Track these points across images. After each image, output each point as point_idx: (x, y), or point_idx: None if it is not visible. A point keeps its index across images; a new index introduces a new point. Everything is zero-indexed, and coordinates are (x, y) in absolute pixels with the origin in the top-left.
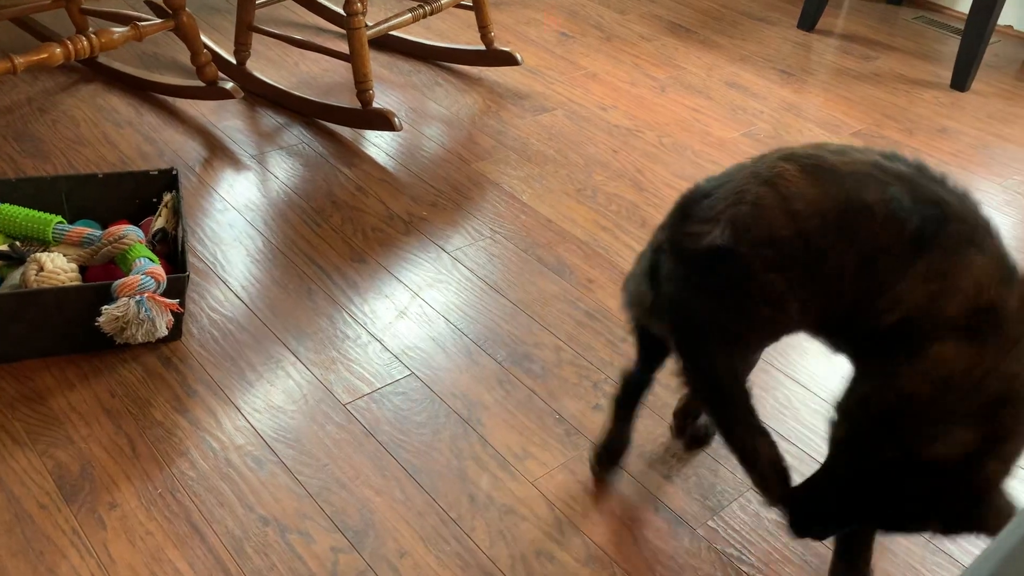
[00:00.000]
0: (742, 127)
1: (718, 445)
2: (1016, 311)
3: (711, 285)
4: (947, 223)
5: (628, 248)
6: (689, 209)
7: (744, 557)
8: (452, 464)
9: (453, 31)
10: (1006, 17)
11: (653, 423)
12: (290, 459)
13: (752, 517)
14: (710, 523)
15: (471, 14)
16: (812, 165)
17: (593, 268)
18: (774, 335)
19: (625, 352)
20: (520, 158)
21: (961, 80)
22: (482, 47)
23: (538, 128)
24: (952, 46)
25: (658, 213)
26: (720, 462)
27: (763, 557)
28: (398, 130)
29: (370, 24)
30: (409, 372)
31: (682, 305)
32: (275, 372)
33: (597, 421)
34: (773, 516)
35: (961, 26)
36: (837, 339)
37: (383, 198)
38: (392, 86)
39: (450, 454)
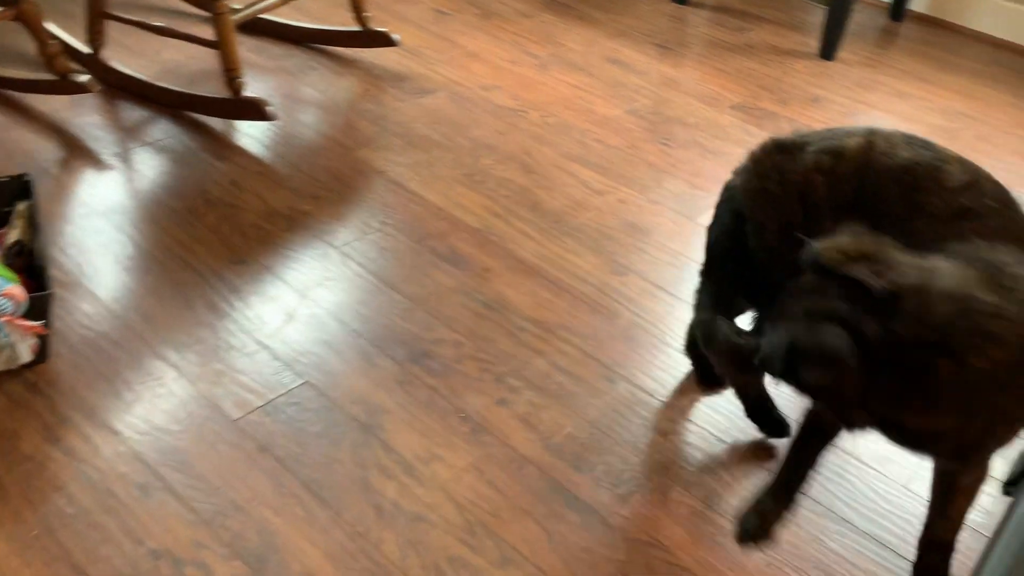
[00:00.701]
0: (625, 104)
1: (624, 428)
2: None
3: (765, 171)
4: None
5: (522, 235)
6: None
7: (656, 542)
8: (355, 475)
9: (325, 12)
10: None
11: (559, 413)
12: (179, 484)
13: (662, 501)
14: (621, 511)
15: None
16: (914, 138)
17: (488, 256)
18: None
19: (526, 342)
20: (404, 144)
21: (829, 50)
22: (357, 28)
23: (421, 111)
24: (818, 16)
25: (549, 197)
26: (628, 448)
27: (675, 541)
28: (272, 119)
29: (237, 7)
30: (302, 380)
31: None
32: (156, 390)
33: (502, 416)
34: (681, 498)
35: None
36: None
37: (261, 193)
38: (263, 72)
39: (352, 464)
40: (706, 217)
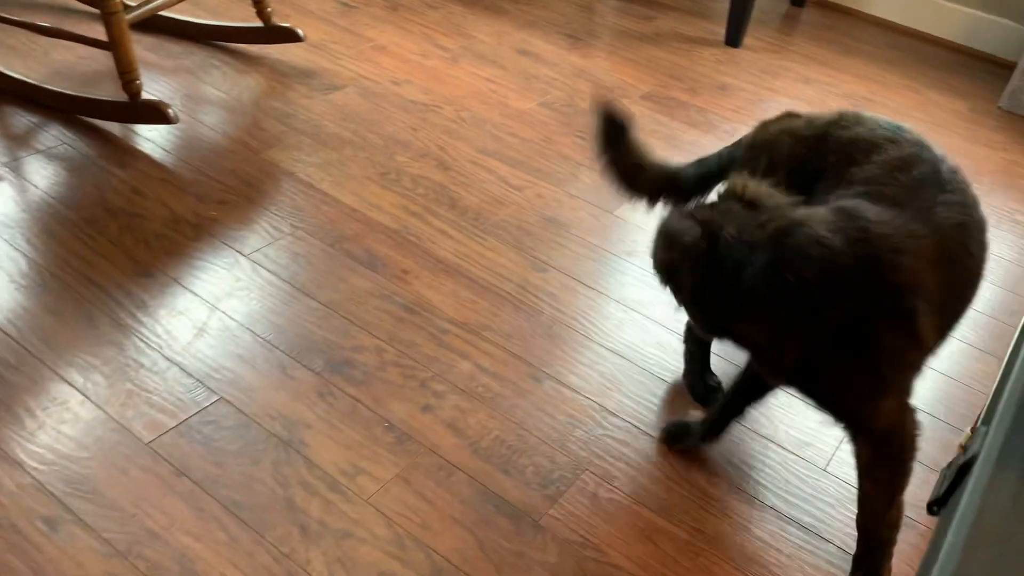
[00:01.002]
0: (538, 96)
1: (552, 428)
2: None
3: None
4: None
5: (441, 233)
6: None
7: (587, 541)
8: (277, 494)
9: (226, 7)
10: None
11: (485, 416)
12: (90, 515)
13: (591, 499)
14: (551, 512)
15: None
16: (862, 116)
17: (406, 257)
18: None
19: (450, 345)
20: (314, 143)
21: (734, 37)
22: (259, 24)
23: (330, 108)
24: (724, 3)
25: (467, 193)
26: (556, 447)
27: (606, 539)
28: (174, 122)
29: (131, 4)
30: (217, 397)
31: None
32: (60, 415)
33: (428, 423)
34: (611, 496)
35: None
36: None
37: (165, 200)
38: (162, 72)
39: (274, 483)
40: (623, 209)
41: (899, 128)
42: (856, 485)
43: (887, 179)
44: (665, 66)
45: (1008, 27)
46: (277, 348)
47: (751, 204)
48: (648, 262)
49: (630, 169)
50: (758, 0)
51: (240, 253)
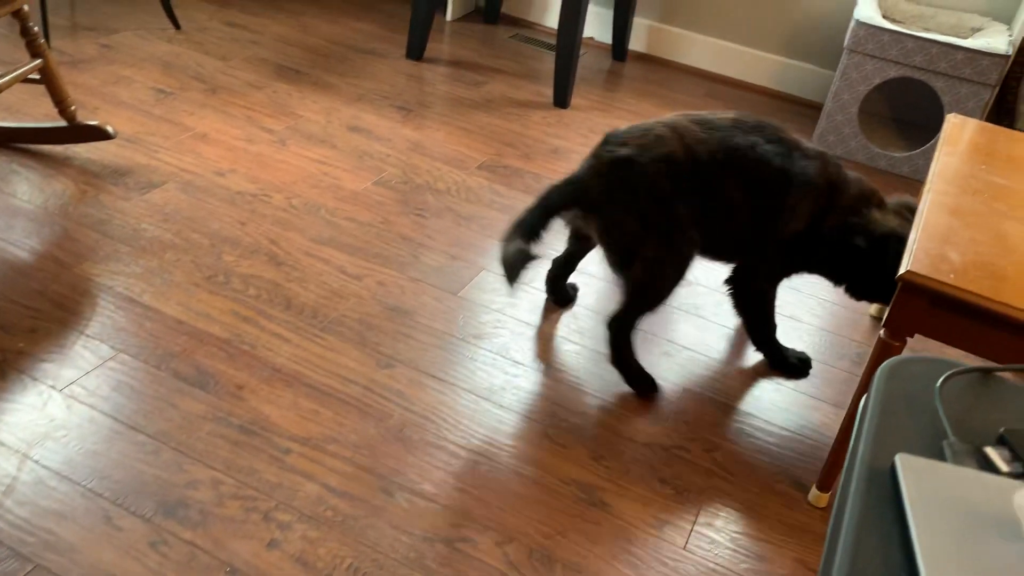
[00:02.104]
0: (372, 175)
1: (408, 547)
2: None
3: (617, 182)
4: (794, 161)
5: (277, 338)
6: (608, 139)
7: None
8: None
9: (24, 104)
10: (587, 29)
11: (337, 544)
12: None
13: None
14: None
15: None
16: (700, 119)
17: (240, 371)
18: (675, 229)
19: (293, 466)
20: (133, 250)
21: (562, 98)
22: (63, 123)
23: (149, 209)
24: (548, 63)
25: (303, 289)
26: (415, 567)
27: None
28: None
29: None
30: (32, 565)
31: (601, 194)
32: None
33: (275, 561)
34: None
35: (553, 41)
36: (721, 252)
37: None
38: None
39: None
40: (467, 290)
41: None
42: None
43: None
44: (498, 133)
45: (813, 71)
46: (100, 496)
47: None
48: (494, 343)
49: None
50: (582, 58)
51: (53, 388)
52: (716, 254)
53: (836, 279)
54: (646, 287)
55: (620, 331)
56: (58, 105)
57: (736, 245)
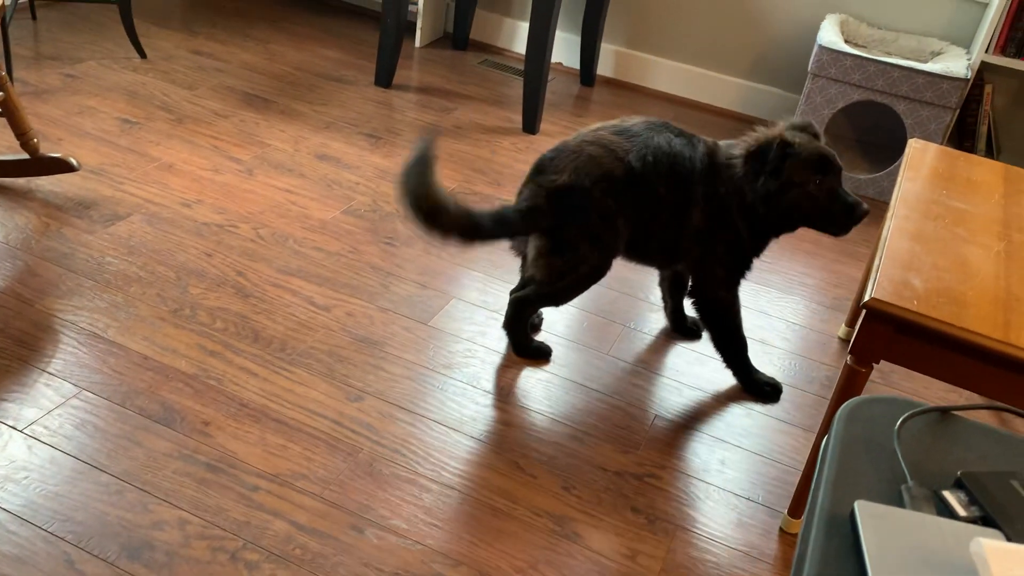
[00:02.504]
0: (341, 203)
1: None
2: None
3: (565, 210)
4: (696, 150)
5: (244, 372)
6: (542, 167)
7: None
8: None
9: None
10: (555, 55)
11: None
12: None
13: None
14: None
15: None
16: (617, 128)
17: (207, 406)
18: (605, 247)
19: (261, 503)
20: (97, 284)
21: (531, 123)
22: (25, 156)
23: (113, 242)
24: (517, 88)
25: (271, 321)
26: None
27: None
28: None
29: None
30: None
31: (551, 221)
32: None
33: None
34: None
35: (522, 67)
36: (654, 253)
37: None
38: None
39: None
40: (437, 319)
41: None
42: None
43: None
44: (468, 159)
45: (779, 95)
46: (62, 539)
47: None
48: (464, 372)
49: (432, 208)
50: (551, 84)
51: (14, 428)
52: (650, 257)
53: (762, 218)
54: (567, 291)
55: (522, 311)
56: (20, 137)
57: (668, 244)
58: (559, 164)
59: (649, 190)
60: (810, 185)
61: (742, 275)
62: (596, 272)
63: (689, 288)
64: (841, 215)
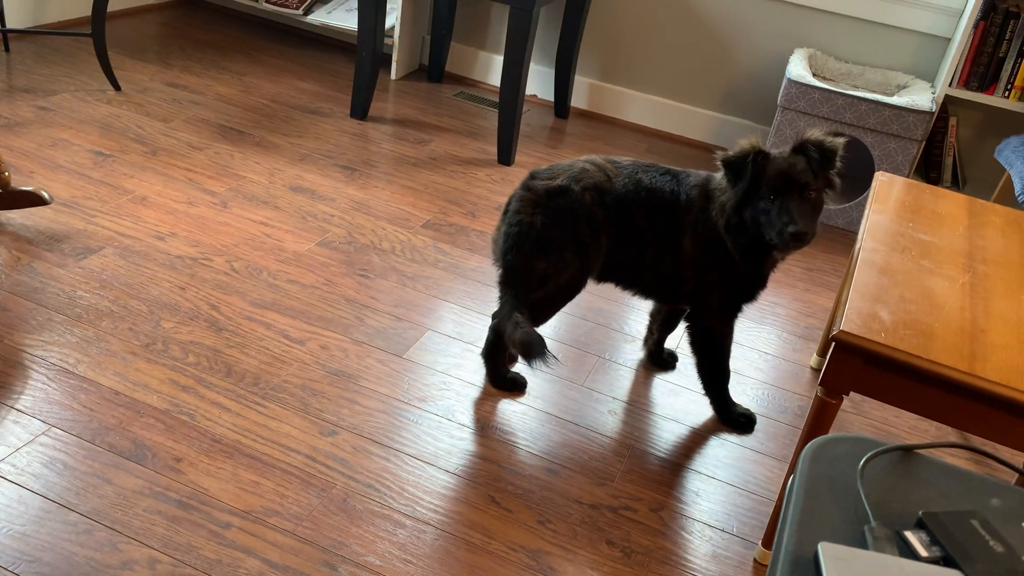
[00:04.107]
0: (316, 236)
1: None
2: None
3: (557, 209)
4: (682, 184)
5: (217, 407)
6: (535, 175)
7: None
8: None
9: None
10: (529, 87)
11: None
12: None
13: None
14: None
15: None
16: (610, 160)
17: (179, 442)
18: (587, 259)
19: (233, 541)
20: (68, 319)
21: (506, 155)
22: None
23: (85, 276)
24: (492, 120)
25: (244, 355)
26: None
27: None
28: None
29: None
30: None
31: (532, 228)
32: None
33: None
34: None
35: (496, 99)
36: (652, 285)
37: None
38: None
39: None
40: (412, 351)
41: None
42: None
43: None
44: (443, 191)
45: (749, 127)
46: None
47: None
48: (439, 405)
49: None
50: (525, 115)
51: None
52: (650, 290)
53: (744, 231)
54: (546, 303)
55: (499, 336)
56: None
57: (665, 275)
58: (553, 172)
59: (629, 216)
60: (764, 199)
61: (739, 307)
62: (574, 283)
63: (687, 314)
64: (781, 234)
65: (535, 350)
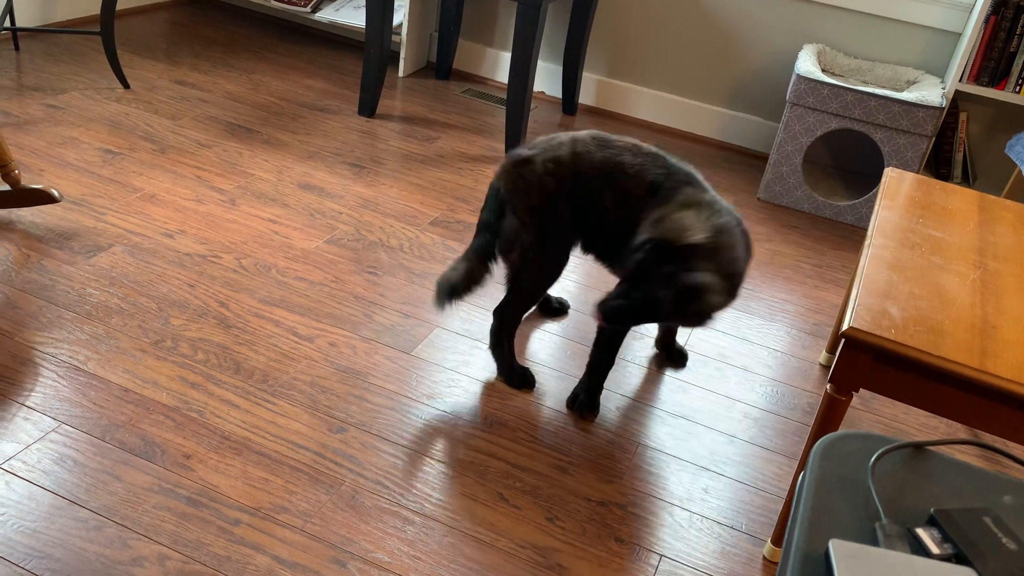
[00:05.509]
0: (324, 233)
1: None
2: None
3: (518, 177)
4: (669, 176)
5: (226, 404)
6: (525, 146)
7: None
8: None
9: None
10: (537, 84)
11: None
12: None
13: None
14: None
15: None
16: (600, 137)
17: (188, 439)
18: (555, 225)
19: (242, 538)
20: (78, 316)
21: None
22: (6, 187)
23: (95, 273)
24: (499, 117)
25: (253, 352)
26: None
27: None
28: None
29: None
30: None
31: (497, 192)
32: None
33: None
34: None
35: (504, 95)
36: (607, 254)
37: None
38: None
39: None
40: (420, 348)
41: (607, 142)
42: None
43: (661, 178)
44: (451, 188)
45: (758, 123)
46: None
47: None
48: (447, 402)
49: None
50: (533, 112)
51: None
52: (604, 257)
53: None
54: (519, 274)
55: (502, 320)
56: (1, 169)
57: (614, 250)
58: (534, 143)
59: (592, 190)
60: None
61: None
62: (539, 247)
63: None
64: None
65: (436, 290)
